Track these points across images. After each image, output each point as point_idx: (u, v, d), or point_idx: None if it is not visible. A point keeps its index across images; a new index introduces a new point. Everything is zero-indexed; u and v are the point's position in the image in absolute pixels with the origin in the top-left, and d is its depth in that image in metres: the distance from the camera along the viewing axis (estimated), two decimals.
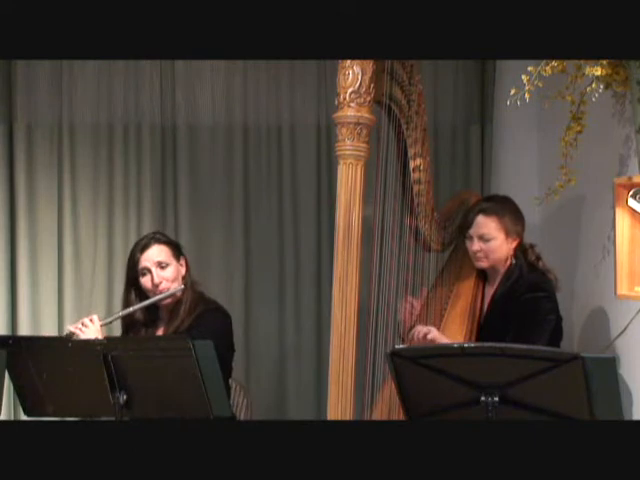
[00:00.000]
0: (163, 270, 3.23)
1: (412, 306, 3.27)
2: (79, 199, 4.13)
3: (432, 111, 4.09)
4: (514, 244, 3.22)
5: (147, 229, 4.08)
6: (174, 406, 2.71)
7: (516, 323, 3.10)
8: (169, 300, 3.24)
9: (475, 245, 3.20)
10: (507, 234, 3.19)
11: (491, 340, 3.06)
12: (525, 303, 3.12)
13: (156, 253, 3.23)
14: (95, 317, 3.10)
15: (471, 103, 4.25)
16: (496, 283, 3.25)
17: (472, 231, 3.20)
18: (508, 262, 3.23)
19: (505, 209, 3.21)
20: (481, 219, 3.19)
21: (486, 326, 3.23)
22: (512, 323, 3.11)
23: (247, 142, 4.21)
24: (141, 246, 3.25)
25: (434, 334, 3.09)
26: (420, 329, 3.12)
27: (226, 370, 3.27)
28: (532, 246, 3.27)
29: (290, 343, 4.24)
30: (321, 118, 4.21)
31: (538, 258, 3.25)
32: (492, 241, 3.18)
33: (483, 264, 3.24)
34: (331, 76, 4.06)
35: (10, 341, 2.81)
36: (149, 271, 3.22)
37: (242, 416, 3.52)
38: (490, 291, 3.28)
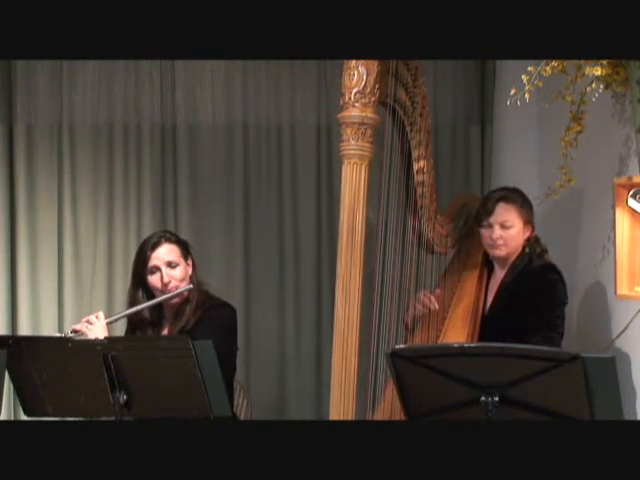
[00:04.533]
0: (172, 269, 3.21)
1: (429, 300, 3.27)
2: (79, 199, 4.13)
3: (432, 111, 4.07)
4: (527, 234, 3.23)
5: (147, 229, 4.08)
6: (174, 406, 2.70)
7: (533, 302, 3.11)
8: (176, 300, 3.22)
9: (496, 232, 3.19)
10: (524, 223, 3.20)
11: (497, 328, 3.07)
12: (542, 283, 3.14)
13: (166, 252, 3.21)
14: (101, 314, 3.09)
15: (471, 103, 4.25)
16: (505, 271, 3.25)
17: (492, 219, 3.19)
18: (519, 252, 3.23)
19: (522, 199, 3.23)
20: (503, 206, 3.19)
21: (492, 315, 3.23)
22: (527, 301, 3.11)
23: (247, 142, 4.21)
24: (151, 244, 3.22)
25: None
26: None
27: (232, 367, 3.27)
28: (538, 239, 3.28)
29: (290, 343, 4.24)
30: (321, 118, 4.21)
31: (544, 251, 3.25)
32: (512, 229, 3.18)
33: (501, 252, 3.22)
34: (331, 76, 4.09)
35: (10, 341, 2.80)
36: (158, 270, 3.20)
37: (242, 416, 3.52)
38: (497, 280, 3.28)
